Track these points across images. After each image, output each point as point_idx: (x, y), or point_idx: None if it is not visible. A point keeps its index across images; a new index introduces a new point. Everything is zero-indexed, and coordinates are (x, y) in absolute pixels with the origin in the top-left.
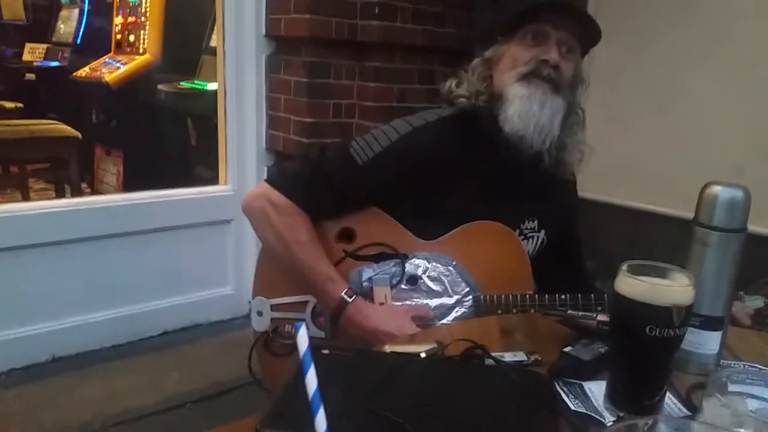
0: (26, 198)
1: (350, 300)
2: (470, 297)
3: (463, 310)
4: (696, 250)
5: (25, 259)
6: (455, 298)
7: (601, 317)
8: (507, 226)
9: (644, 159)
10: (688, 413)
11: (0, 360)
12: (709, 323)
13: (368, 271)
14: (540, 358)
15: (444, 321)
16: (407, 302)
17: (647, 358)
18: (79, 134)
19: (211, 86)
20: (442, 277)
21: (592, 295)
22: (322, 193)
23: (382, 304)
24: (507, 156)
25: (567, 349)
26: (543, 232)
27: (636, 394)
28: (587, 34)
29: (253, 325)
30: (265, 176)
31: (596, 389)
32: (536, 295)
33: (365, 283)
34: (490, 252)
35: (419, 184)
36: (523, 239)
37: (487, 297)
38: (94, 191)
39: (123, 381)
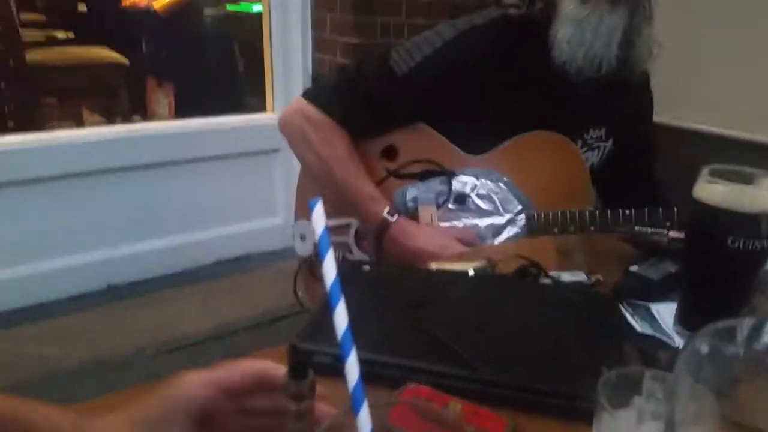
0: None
1: (393, 220)
2: (523, 215)
3: (515, 229)
4: None
5: (79, 187)
6: (506, 216)
7: (674, 234)
8: (568, 136)
9: (716, 78)
10: None
11: (59, 287)
12: None
13: (413, 191)
14: (602, 279)
15: (496, 241)
16: (455, 223)
17: (728, 273)
18: (126, 62)
19: (256, 7)
20: (492, 195)
21: (660, 209)
22: (361, 108)
23: (428, 224)
24: (562, 71)
25: (633, 267)
26: (611, 140)
27: (713, 316)
28: None
29: (296, 249)
30: None
31: (665, 311)
32: (597, 212)
33: (410, 203)
34: (544, 165)
35: (466, 93)
36: (586, 150)
37: (542, 215)
38: (147, 121)
39: (176, 308)
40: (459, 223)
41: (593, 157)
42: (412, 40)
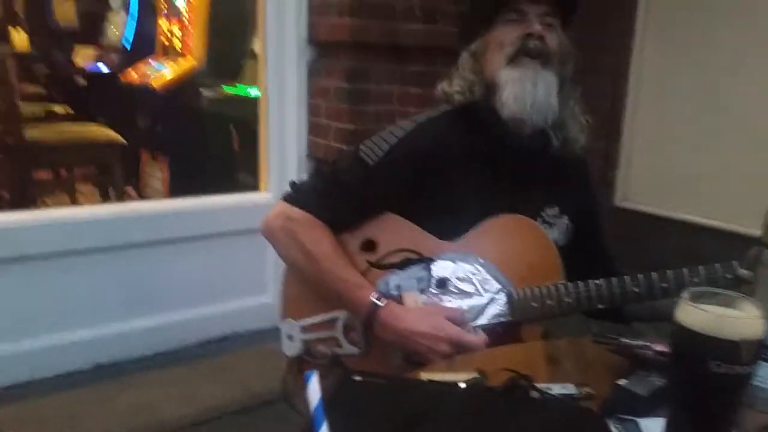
0: (74, 201)
1: (382, 304)
2: (503, 294)
3: (497, 307)
4: (764, 274)
5: (70, 265)
6: (487, 296)
7: (659, 347)
8: (528, 215)
9: (698, 169)
10: None
11: (46, 365)
12: None
13: (395, 279)
14: (591, 392)
15: (479, 321)
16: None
17: (711, 396)
18: (124, 141)
19: (253, 91)
20: (471, 277)
21: (627, 277)
22: (339, 201)
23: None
24: (513, 143)
25: (621, 381)
26: (566, 217)
27: None
28: (564, 4)
29: (284, 349)
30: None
31: (653, 427)
32: (569, 284)
33: (393, 291)
34: (515, 246)
35: (432, 179)
36: (547, 227)
37: (520, 292)
38: (140, 195)
39: (161, 391)
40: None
41: (554, 233)
42: (378, 134)
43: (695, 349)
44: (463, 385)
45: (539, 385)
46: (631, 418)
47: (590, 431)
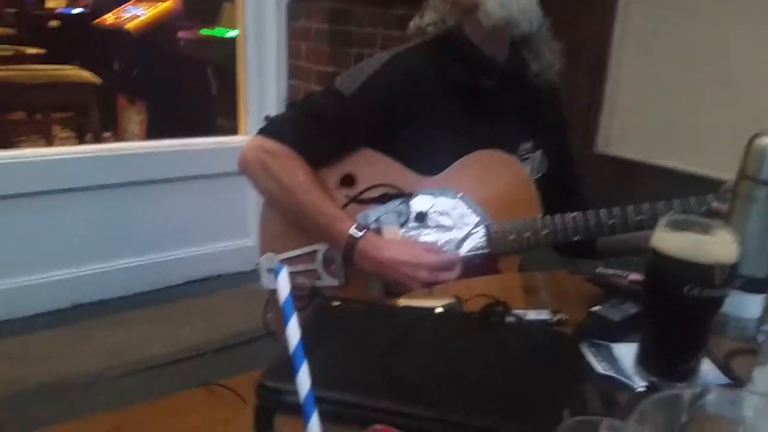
0: (50, 144)
1: (360, 234)
2: (482, 227)
3: (475, 240)
4: (740, 206)
5: (48, 205)
6: (465, 229)
7: (633, 276)
8: (505, 150)
9: (679, 117)
10: (728, 381)
11: (24, 304)
12: (752, 285)
13: (374, 213)
14: (566, 318)
15: (458, 253)
16: (419, 239)
17: (684, 320)
18: (98, 80)
19: (231, 34)
20: (450, 211)
21: (603, 210)
22: (315, 132)
23: None
24: (490, 71)
25: (595, 308)
26: (539, 152)
27: (670, 358)
28: None
29: (263, 283)
30: None
31: (626, 352)
32: (546, 217)
33: (373, 225)
34: (493, 180)
35: (409, 112)
36: (521, 162)
37: (498, 225)
38: (118, 140)
39: (143, 329)
40: (422, 239)
41: (527, 168)
42: (354, 66)
43: (670, 273)
44: (439, 310)
45: (515, 311)
46: (604, 342)
47: (564, 354)
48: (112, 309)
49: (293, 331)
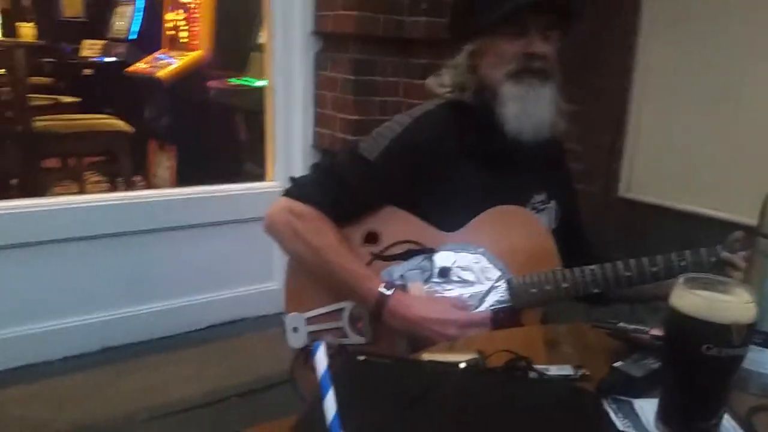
0: (82, 190)
1: (389, 293)
2: (503, 281)
3: (498, 295)
4: (758, 262)
5: (79, 250)
6: (488, 284)
7: (655, 331)
8: (519, 203)
9: (700, 160)
10: None
11: (55, 347)
12: None
13: (398, 270)
14: (588, 373)
15: (481, 308)
16: (443, 294)
17: (703, 378)
18: (131, 129)
19: (259, 83)
20: (472, 265)
21: (620, 262)
22: (341, 194)
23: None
24: (506, 139)
25: (617, 364)
26: (553, 202)
27: (690, 415)
28: (567, 15)
29: (289, 342)
30: None
31: (647, 408)
32: (566, 270)
33: (398, 282)
34: (513, 234)
35: (430, 173)
36: (536, 213)
37: (519, 278)
38: (148, 185)
39: (168, 373)
40: (446, 295)
41: (544, 220)
42: (376, 131)
43: (688, 332)
44: (463, 365)
45: (537, 366)
46: (626, 398)
47: (586, 410)
48: (140, 352)
49: (330, 405)
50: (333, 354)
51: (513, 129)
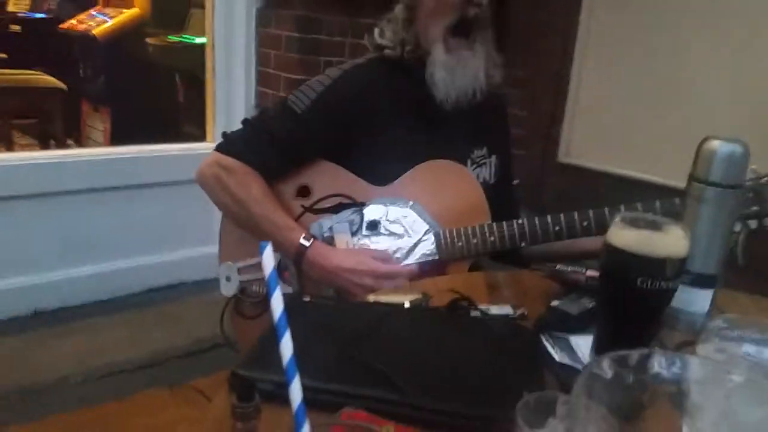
0: (11, 151)
1: (309, 243)
2: (431, 234)
3: (425, 247)
4: (691, 206)
5: (8, 211)
6: (416, 237)
7: (590, 272)
8: (457, 158)
9: (636, 126)
10: None
11: None
12: (701, 281)
13: (327, 222)
14: (526, 312)
15: (409, 261)
16: (371, 247)
17: (637, 311)
18: (64, 86)
19: (199, 40)
20: (401, 219)
21: (549, 216)
22: (268, 148)
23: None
24: (441, 100)
25: (554, 302)
26: (494, 157)
27: (623, 348)
28: None
29: (222, 290)
30: None
31: (583, 343)
32: (494, 224)
33: (326, 233)
34: (443, 189)
35: (360, 126)
36: (476, 167)
37: (447, 232)
38: (81, 147)
39: (105, 336)
40: (373, 247)
41: (484, 173)
42: (305, 83)
43: (624, 266)
44: (407, 305)
45: (479, 306)
46: (562, 334)
47: (525, 345)
48: (75, 316)
49: (277, 301)
50: (261, 302)
51: (440, 93)
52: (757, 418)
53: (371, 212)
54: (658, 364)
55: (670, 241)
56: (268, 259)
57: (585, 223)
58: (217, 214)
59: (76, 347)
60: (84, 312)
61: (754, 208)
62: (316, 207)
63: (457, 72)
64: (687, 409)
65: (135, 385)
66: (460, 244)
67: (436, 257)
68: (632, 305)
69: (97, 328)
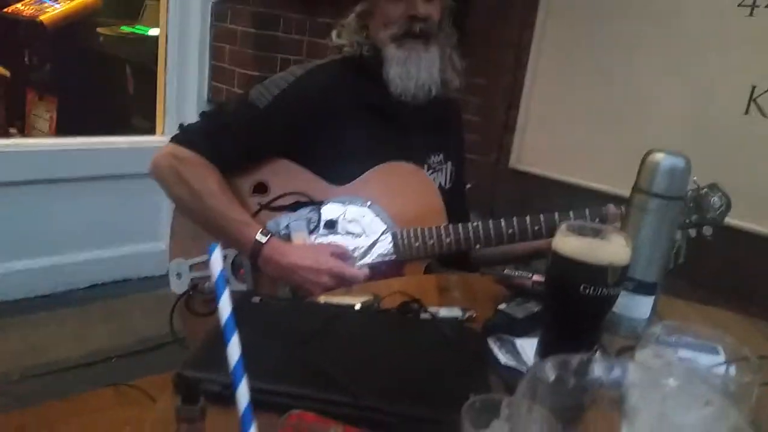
0: None
1: (265, 240)
2: (388, 234)
3: (383, 247)
4: (634, 215)
5: None
6: (373, 237)
7: (537, 277)
8: (415, 162)
9: (584, 135)
10: None
11: None
12: (642, 288)
13: (284, 220)
14: (475, 315)
15: (366, 260)
16: None
17: (579, 316)
18: (7, 73)
19: (153, 32)
20: (359, 218)
21: (502, 220)
22: (226, 141)
23: None
24: (399, 96)
25: (501, 306)
26: (449, 163)
27: (566, 351)
28: None
29: (172, 287)
30: None
31: (528, 346)
32: (450, 226)
33: (283, 231)
34: (402, 190)
35: (320, 125)
36: (432, 173)
37: (404, 232)
38: (25, 137)
39: (46, 333)
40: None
41: (440, 178)
42: (269, 79)
43: (568, 273)
44: (358, 306)
45: (429, 309)
46: (508, 337)
47: (471, 347)
48: (16, 311)
49: (225, 304)
50: (213, 300)
51: (396, 89)
52: (691, 420)
53: (329, 211)
54: (598, 368)
55: (612, 249)
56: (217, 261)
57: (536, 227)
58: (166, 210)
59: (16, 344)
60: (21, 307)
61: (694, 217)
62: (273, 204)
63: (410, 65)
64: (625, 411)
65: (77, 382)
66: (417, 244)
67: (393, 257)
68: (575, 310)
69: (37, 325)
